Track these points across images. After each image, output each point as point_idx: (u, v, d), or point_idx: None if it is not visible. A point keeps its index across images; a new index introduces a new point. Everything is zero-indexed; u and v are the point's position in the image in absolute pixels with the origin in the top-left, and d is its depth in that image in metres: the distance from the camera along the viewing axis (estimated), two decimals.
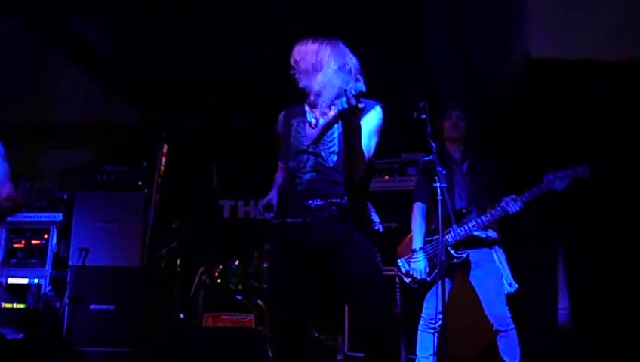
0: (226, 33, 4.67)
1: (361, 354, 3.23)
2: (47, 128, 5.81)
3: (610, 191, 4.14)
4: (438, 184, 2.79)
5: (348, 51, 2.38)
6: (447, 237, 3.23)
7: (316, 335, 4.28)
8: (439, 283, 2.84)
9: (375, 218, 2.37)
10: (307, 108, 2.41)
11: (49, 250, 4.86)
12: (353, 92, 2.02)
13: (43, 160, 5.80)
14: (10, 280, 4.76)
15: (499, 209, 3.22)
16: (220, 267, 4.49)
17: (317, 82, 2.30)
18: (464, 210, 3.33)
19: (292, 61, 2.38)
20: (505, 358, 3.18)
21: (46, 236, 4.88)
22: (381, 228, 2.37)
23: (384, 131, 2.33)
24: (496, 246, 3.36)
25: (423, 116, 2.73)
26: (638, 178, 4.12)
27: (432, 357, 3.27)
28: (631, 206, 4.16)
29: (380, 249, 2.34)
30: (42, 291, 4.70)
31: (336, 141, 2.29)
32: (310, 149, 2.30)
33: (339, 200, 2.23)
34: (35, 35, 4.85)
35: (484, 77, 4.70)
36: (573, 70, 3.93)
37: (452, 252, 3.26)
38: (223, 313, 4.14)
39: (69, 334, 4.51)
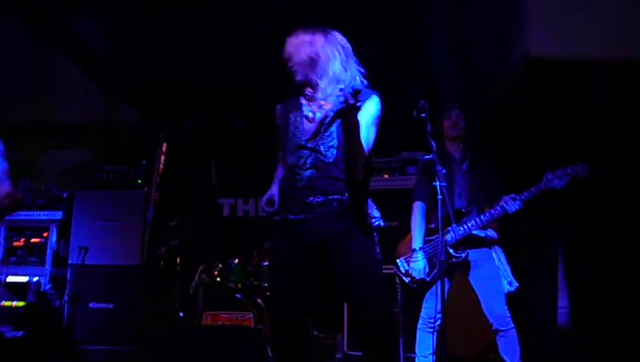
0: (226, 33, 4.67)
1: (360, 353, 3.23)
2: (47, 128, 5.81)
3: (609, 190, 4.14)
4: (438, 183, 2.79)
5: (341, 38, 2.36)
6: (446, 236, 3.23)
7: (315, 333, 4.27)
8: (438, 282, 2.84)
9: (376, 213, 2.37)
10: (303, 102, 2.39)
11: (49, 248, 4.85)
12: (349, 90, 2.01)
13: (43, 160, 5.80)
14: (10, 279, 4.77)
15: (498, 208, 3.22)
16: (220, 265, 4.49)
17: (314, 74, 2.29)
18: (464, 210, 3.33)
19: (286, 54, 2.34)
20: (505, 357, 3.17)
21: (46, 234, 4.88)
22: (382, 224, 2.37)
23: (383, 125, 2.31)
24: (495, 246, 3.36)
25: (423, 115, 2.73)
26: (637, 177, 4.12)
27: (431, 357, 3.27)
28: (630, 205, 4.16)
29: (380, 245, 2.34)
30: (42, 289, 4.71)
31: (334, 135, 2.27)
32: (309, 145, 2.29)
33: (339, 196, 2.23)
34: (35, 35, 4.86)
35: (484, 77, 4.70)
36: (573, 70, 3.93)
37: (451, 251, 3.26)
38: (223, 311, 4.14)
39: (69, 332, 4.52)
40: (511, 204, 3.18)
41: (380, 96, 2.33)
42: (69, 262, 4.74)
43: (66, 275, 4.72)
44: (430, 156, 2.83)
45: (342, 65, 2.28)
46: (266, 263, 4.47)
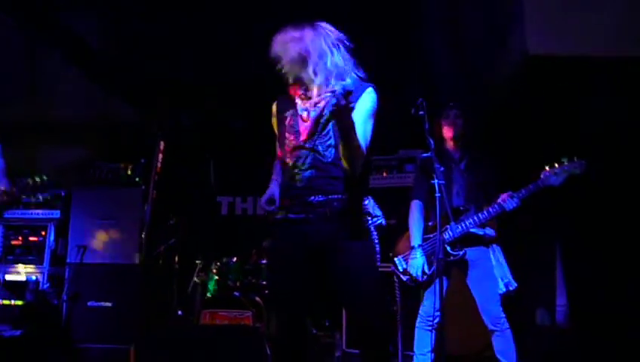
0: (226, 33, 4.68)
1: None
2: (47, 127, 5.81)
3: (608, 188, 4.14)
4: (436, 181, 2.79)
5: (331, 29, 2.28)
6: (444, 234, 3.23)
7: (314, 332, 4.27)
8: (437, 280, 2.84)
9: (378, 212, 2.36)
10: (298, 101, 2.36)
11: (46, 246, 4.84)
12: (341, 91, 2.00)
13: (42, 159, 5.80)
14: (8, 277, 4.76)
15: (495, 206, 3.22)
16: (218, 264, 4.49)
17: (307, 72, 2.23)
18: (462, 208, 3.33)
19: (275, 53, 2.25)
20: (500, 358, 3.17)
21: (43, 233, 4.86)
22: (384, 222, 2.36)
23: (382, 124, 2.30)
24: (493, 245, 3.36)
25: (421, 112, 2.73)
26: (636, 176, 4.11)
27: (429, 354, 3.27)
28: (629, 204, 4.16)
29: (380, 244, 2.34)
30: (40, 288, 4.71)
31: (331, 133, 2.25)
32: (307, 145, 2.27)
33: (339, 195, 2.22)
34: (34, 34, 4.86)
35: (483, 76, 4.70)
36: (573, 69, 3.94)
37: (449, 249, 3.26)
38: (221, 310, 4.13)
39: (67, 331, 4.51)
40: (508, 202, 3.18)
41: (375, 88, 2.29)
42: (67, 260, 4.73)
43: (64, 274, 4.71)
44: (428, 154, 2.83)
45: (334, 59, 2.22)
46: (264, 261, 4.46)
